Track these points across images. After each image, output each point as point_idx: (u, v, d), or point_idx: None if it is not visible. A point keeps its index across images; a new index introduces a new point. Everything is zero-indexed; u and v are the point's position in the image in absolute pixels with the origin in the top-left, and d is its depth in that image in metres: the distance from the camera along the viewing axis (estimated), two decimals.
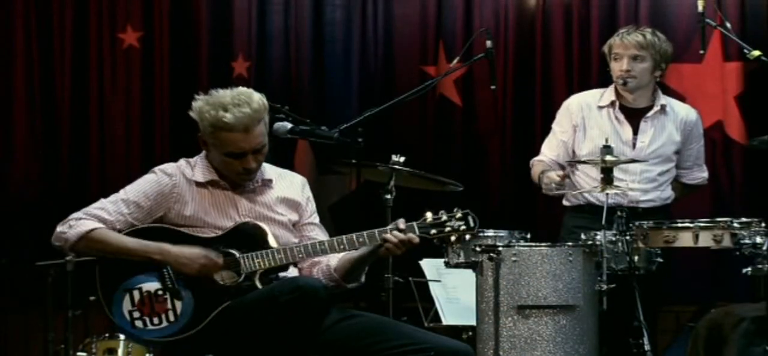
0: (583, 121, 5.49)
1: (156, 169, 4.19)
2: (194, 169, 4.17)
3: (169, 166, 4.19)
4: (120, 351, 5.79)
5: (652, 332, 5.08)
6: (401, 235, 4.00)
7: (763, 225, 4.91)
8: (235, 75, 6.89)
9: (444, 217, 4.03)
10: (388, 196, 4.77)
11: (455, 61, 5.74)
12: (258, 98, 4.09)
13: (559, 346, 4.72)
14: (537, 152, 5.66)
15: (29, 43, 6.99)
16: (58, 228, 4.10)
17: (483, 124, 6.83)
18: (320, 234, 4.28)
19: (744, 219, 4.94)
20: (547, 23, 6.75)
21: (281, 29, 6.94)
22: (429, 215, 4.05)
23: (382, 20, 6.91)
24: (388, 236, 4.01)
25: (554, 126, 5.60)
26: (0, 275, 6.48)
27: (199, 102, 4.10)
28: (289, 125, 4.62)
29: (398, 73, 6.89)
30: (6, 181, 6.98)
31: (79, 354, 5.79)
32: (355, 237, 4.05)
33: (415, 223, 4.04)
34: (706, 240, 4.96)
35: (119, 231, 4.07)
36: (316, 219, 4.32)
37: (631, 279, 4.92)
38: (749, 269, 4.89)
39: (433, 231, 4.03)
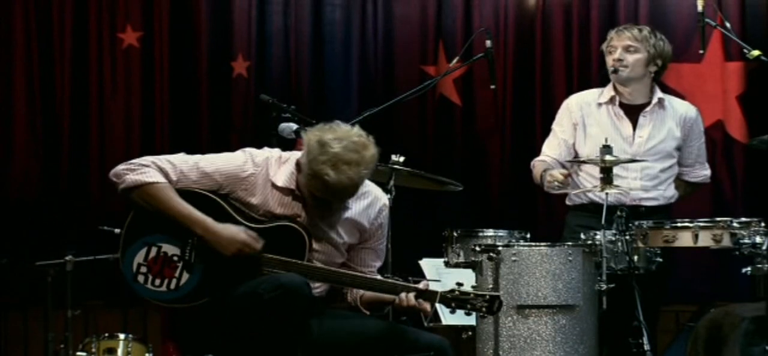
0: (582, 119, 5.50)
1: (248, 150, 4.14)
2: (280, 169, 4.12)
3: (260, 155, 4.14)
4: (120, 351, 5.79)
5: (652, 332, 5.08)
6: (412, 301, 4.01)
7: (763, 224, 4.92)
8: (235, 75, 6.89)
9: (471, 294, 4.06)
10: (388, 196, 4.77)
11: (455, 61, 5.74)
12: (370, 157, 4.00)
13: (559, 346, 4.71)
14: (537, 152, 5.66)
15: (29, 43, 6.99)
16: (121, 167, 4.06)
17: (483, 124, 6.82)
18: (373, 259, 4.27)
19: (743, 219, 4.95)
20: (547, 23, 6.75)
21: (281, 29, 6.94)
22: (458, 289, 4.06)
23: (382, 20, 6.91)
24: (402, 296, 4.02)
25: (554, 126, 5.60)
26: (0, 275, 6.48)
27: (314, 141, 4.00)
28: (294, 126, 4.63)
29: (398, 73, 6.88)
30: (6, 181, 6.98)
31: (78, 353, 5.78)
32: (378, 280, 4.10)
33: (439, 292, 4.05)
34: (705, 240, 4.96)
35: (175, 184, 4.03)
36: (378, 244, 4.28)
37: (631, 279, 4.92)
38: (749, 269, 4.89)
39: (454, 304, 4.06)
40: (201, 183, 4.06)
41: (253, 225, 4.06)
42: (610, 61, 5.47)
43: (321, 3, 6.92)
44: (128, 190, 4.03)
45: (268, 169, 4.10)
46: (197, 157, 4.12)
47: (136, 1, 6.98)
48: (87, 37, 6.99)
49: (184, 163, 4.07)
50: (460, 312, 5.32)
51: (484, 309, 4.05)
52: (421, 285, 4.06)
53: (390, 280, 4.11)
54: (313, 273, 4.04)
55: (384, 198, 4.30)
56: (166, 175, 4.03)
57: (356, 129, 4.05)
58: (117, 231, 4.12)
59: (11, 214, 6.89)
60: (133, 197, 4.04)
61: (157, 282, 4.02)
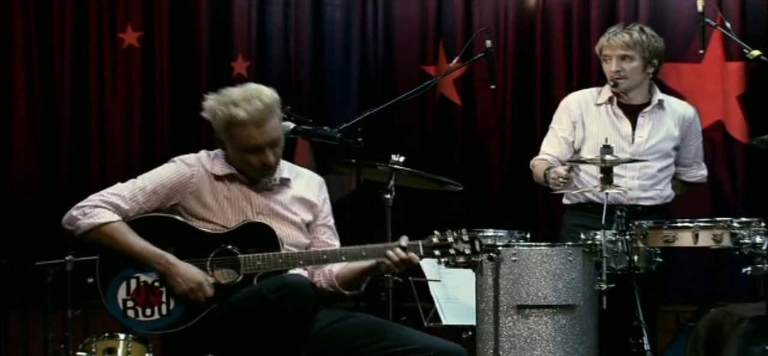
0: (581, 118, 5.50)
1: (176, 158, 4.20)
2: (214, 161, 4.18)
3: (189, 157, 4.20)
4: (120, 351, 5.78)
5: (651, 332, 5.08)
6: (402, 254, 4.02)
7: (763, 224, 4.92)
8: (235, 75, 6.89)
9: (450, 239, 4.05)
10: (388, 196, 4.77)
11: (455, 61, 5.73)
12: (269, 92, 4.15)
13: (559, 346, 4.71)
14: (537, 152, 5.65)
15: (29, 44, 6.99)
16: (73, 212, 4.08)
17: (483, 124, 6.82)
18: (331, 238, 4.30)
19: (743, 219, 4.95)
20: (546, 23, 6.74)
21: (281, 29, 6.94)
22: (436, 235, 4.07)
23: (382, 20, 6.91)
24: (389, 253, 4.03)
25: (553, 124, 5.60)
26: (0, 275, 6.48)
27: (210, 101, 4.14)
28: (291, 125, 4.62)
29: (398, 73, 6.88)
30: (6, 181, 6.98)
31: (78, 353, 5.78)
32: (358, 249, 4.07)
33: (420, 243, 4.06)
34: (705, 239, 4.96)
35: (132, 218, 4.06)
36: (329, 221, 4.33)
37: (631, 279, 4.92)
38: (749, 269, 4.89)
39: (438, 252, 4.05)
40: (151, 203, 4.09)
41: (218, 231, 4.08)
42: (607, 71, 5.44)
43: (321, 3, 6.92)
44: (84, 235, 4.06)
45: (203, 166, 4.16)
46: (134, 180, 4.13)
47: (137, 1, 6.98)
48: (87, 37, 6.99)
49: (128, 191, 4.10)
50: (459, 313, 5.34)
51: (467, 250, 4.04)
52: (401, 242, 4.05)
53: (370, 245, 4.09)
54: (293, 260, 4.05)
55: (318, 176, 4.38)
56: (117, 208, 4.06)
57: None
58: (90, 280, 4.11)
59: (11, 214, 6.90)
60: (90, 240, 4.07)
61: (148, 311, 4.02)
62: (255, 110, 4.07)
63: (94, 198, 4.09)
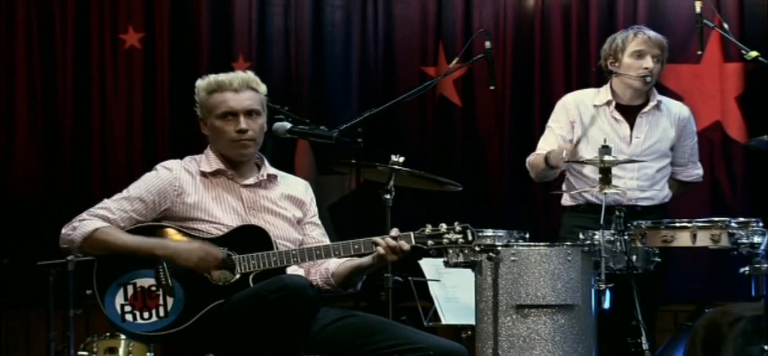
0: (579, 118, 5.51)
1: (157, 165, 4.24)
2: (200, 162, 4.22)
3: (170, 161, 4.25)
4: (121, 351, 5.81)
5: (650, 331, 5.09)
6: (392, 242, 4.04)
7: (761, 224, 4.93)
8: None
9: (443, 229, 4.07)
10: (388, 196, 4.79)
11: (455, 62, 5.75)
12: (254, 75, 4.25)
13: (558, 345, 4.72)
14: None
15: (31, 44, 7.01)
16: (64, 231, 4.13)
17: (483, 124, 6.84)
18: (322, 235, 4.32)
19: (741, 219, 4.95)
20: (546, 24, 6.76)
21: (281, 30, 6.96)
22: (428, 227, 4.08)
23: (382, 21, 6.92)
24: (380, 241, 4.05)
25: (551, 123, 5.59)
26: (1, 274, 6.50)
27: (199, 88, 4.24)
28: (288, 125, 4.64)
29: (398, 73, 6.90)
30: (8, 181, 7.00)
31: (80, 353, 5.80)
32: (351, 243, 4.08)
33: (412, 233, 4.07)
34: (704, 239, 4.96)
35: (123, 228, 4.10)
36: (317, 219, 4.37)
37: (630, 279, 4.94)
38: (747, 268, 4.90)
39: (430, 242, 4.07)
40: (139, 210, 4.13)
41: (211, 233, 4.10)
42: (637, 66, 5.40)
43: (321, 4, 6.94)
44: (80, 246, 4.11)
45: (185, 169, 4.20)
46: (120, 193, 4.17)
47: (138, 2, 7.00)
48: (88, 38, 7.01)
49: (114, 202, 4.14)
50: (458, 312, 5.35)
51: (460, 240, 4.07)
52: (392, 233, 4.07)
53: (362, 239, 4.11)
54: (288, 257, 4.07)
55: (302, 180, 4.43)
56: (105, 218, 4.10)
57: None
58: (88, 292, 4.14)
59: (13, 214, 6.91)
60: (87, 250, 4.12)
61: (145, 315, 4.04)
62: (234, 77, 4.19)
63: (81, 215, 4.14)
